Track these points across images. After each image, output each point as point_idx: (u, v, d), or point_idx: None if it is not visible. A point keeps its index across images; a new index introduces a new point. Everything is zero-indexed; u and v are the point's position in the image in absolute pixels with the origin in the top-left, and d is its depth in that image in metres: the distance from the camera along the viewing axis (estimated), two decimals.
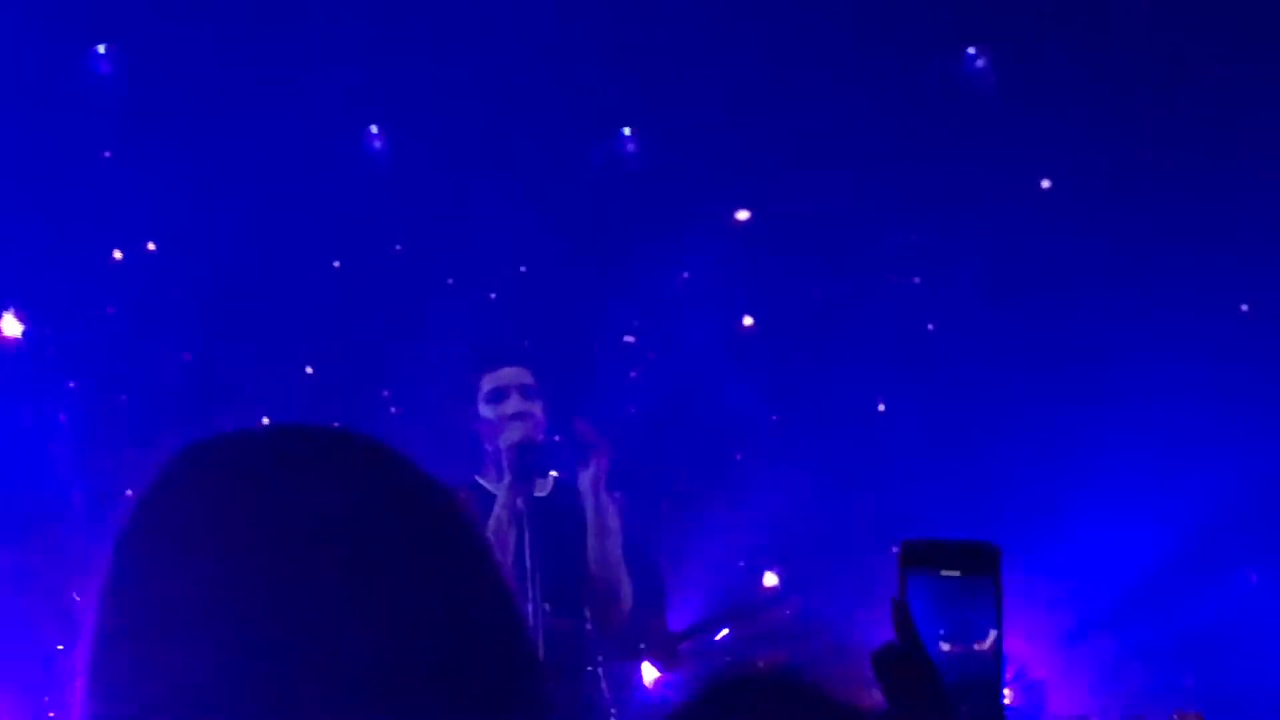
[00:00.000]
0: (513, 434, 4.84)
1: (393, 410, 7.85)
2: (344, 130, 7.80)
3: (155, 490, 1.18)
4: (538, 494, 4.92)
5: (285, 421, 1.25)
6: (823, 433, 8.18)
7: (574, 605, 4.85)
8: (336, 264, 7.94)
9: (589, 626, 4.91)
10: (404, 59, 7.16)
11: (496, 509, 4.75)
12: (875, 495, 7.81)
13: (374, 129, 7.74)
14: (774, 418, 8.40)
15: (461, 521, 1.21)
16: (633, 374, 8.28)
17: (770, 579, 7.56)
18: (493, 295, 8.16)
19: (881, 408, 8.49)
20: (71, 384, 7.49)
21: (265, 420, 7.50)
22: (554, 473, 5.06)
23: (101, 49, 7.01)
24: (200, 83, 7.02)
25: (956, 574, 1.42)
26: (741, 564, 7.85)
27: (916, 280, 8.35)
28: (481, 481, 5.01)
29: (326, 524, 1.14)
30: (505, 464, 4.84)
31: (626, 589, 4.94)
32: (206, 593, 1.12)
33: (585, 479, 4.92)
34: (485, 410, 4.96)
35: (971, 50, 7.94)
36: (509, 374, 4.98)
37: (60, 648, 5.79)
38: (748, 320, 8.42)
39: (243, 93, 7.13)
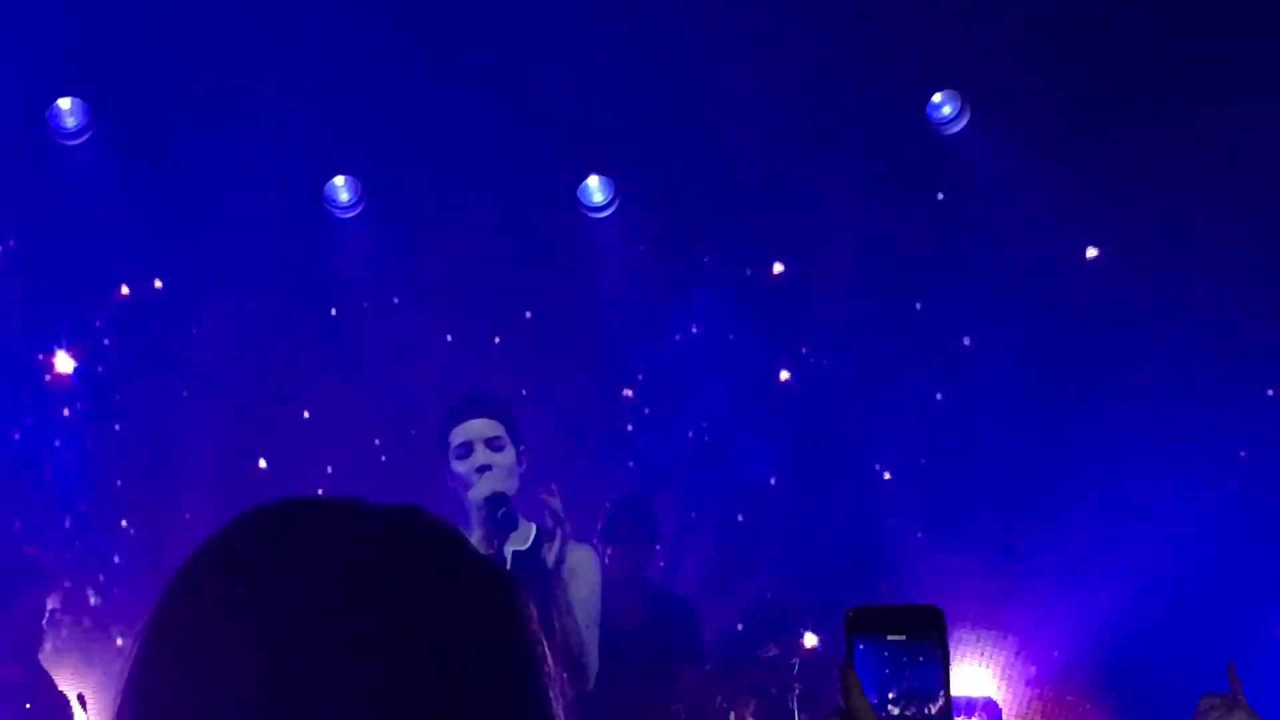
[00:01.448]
0: (480, 489, 4.88)
1: (382, 459, 7.96)
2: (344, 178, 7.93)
3: (216, 545, 1.22)
4: (517, 547, 4.96)
5: (355, 496, 1.26)
6: (823, 497, 8.26)
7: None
8: (334, 311, 8.06)
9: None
10: (405, 108, 7.28)
11: None
12: (876, 561, 7.86)
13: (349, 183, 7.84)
14: (771, 481, 8.45)
15: (515, 610, 1.24)
16: (629, 428, 8.36)
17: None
18: (497, 339, 8.26)
19: (887, 475, 8.55)
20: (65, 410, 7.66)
21: (262, 463, 7.75)
22: (533, 525, 5.08)
23: (65, 104, 7.11)
24: (205, 128, 7.15)
25: (903, 638, 1.47)
26: (740, 627, 7.90)
27: (924, 345, 8.42)
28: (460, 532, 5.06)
29: (376, 599, 1.17)
30: (475, 519, 4.90)
31: (590, 659, 4.93)
32: (250, 655, 1.15)
33: (548, 553, 4.94)
34: (455, 465, 5.01)
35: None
36: (475, 427, 5.01)
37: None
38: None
39: (244, 140, 7.26)
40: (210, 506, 7.63)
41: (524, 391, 8.09)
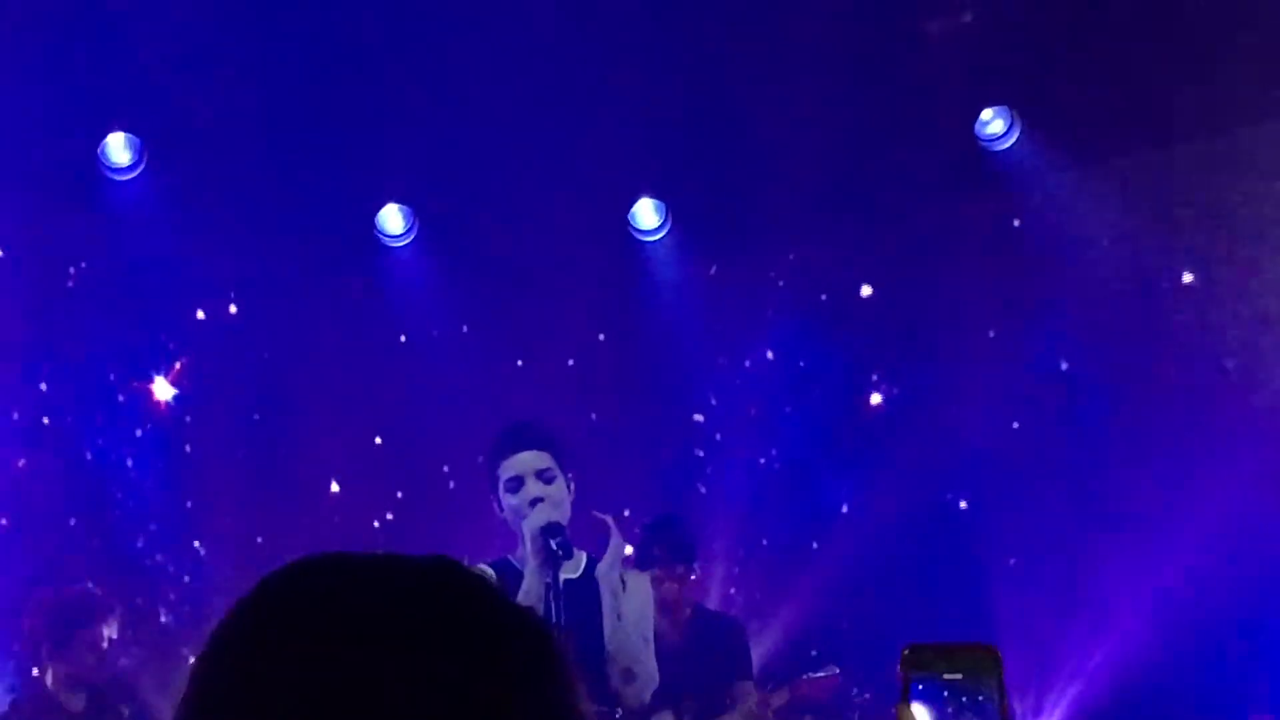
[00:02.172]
0: (536, 520, 4.97)
1: (450, 485, 8.04)
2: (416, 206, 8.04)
3: (248, 608, 1.23)
4: (569, 575, 5.06)
5: (390, 553, 1.27)
6: (899, 526, 8.26)
7: (604, 689, 4.94)
8: (403, 338, 8.17)
9: (619, 714, 5.00)
10: (454, 136, 7.35)
11: (521, 592, 4.89)
12: (948, 593, 7.84)
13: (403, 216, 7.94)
14: (844, 509, 8.46)
15: (555, 664, 1.24)
16: (699, 453, 8.40)
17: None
18: (570, 361, 8.34)
19: (963, 504, 8.53)
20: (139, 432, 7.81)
21: (335, 487, 7.87)
22: (584, 553, 5.18)
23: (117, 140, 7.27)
24: (259, 156, 7.27)
25: (959, 677, 1.47)
26: (814, 653, 7.90)
27: (1001, 376, 8.40)
28: (512, 560, 5.17)
29: (415, 660, 1.17)
30: (531, 549, 4.97)
31: (645, 673, 5.05)
32: (273, 698, 1.15)
33: (601, 566, 5.09)
34: (507, 499, 5.11)
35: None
36: (525, 460, 5.10)
37: None
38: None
39: (299, 167, 7.37)
40: (281, 528, 7.78)
41: (594, 416, 8.18)
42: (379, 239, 7.93)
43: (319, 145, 7.20)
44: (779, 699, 6.57)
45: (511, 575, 5.04)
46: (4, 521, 7.58)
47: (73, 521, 7.65)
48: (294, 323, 7.89)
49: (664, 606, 6.43)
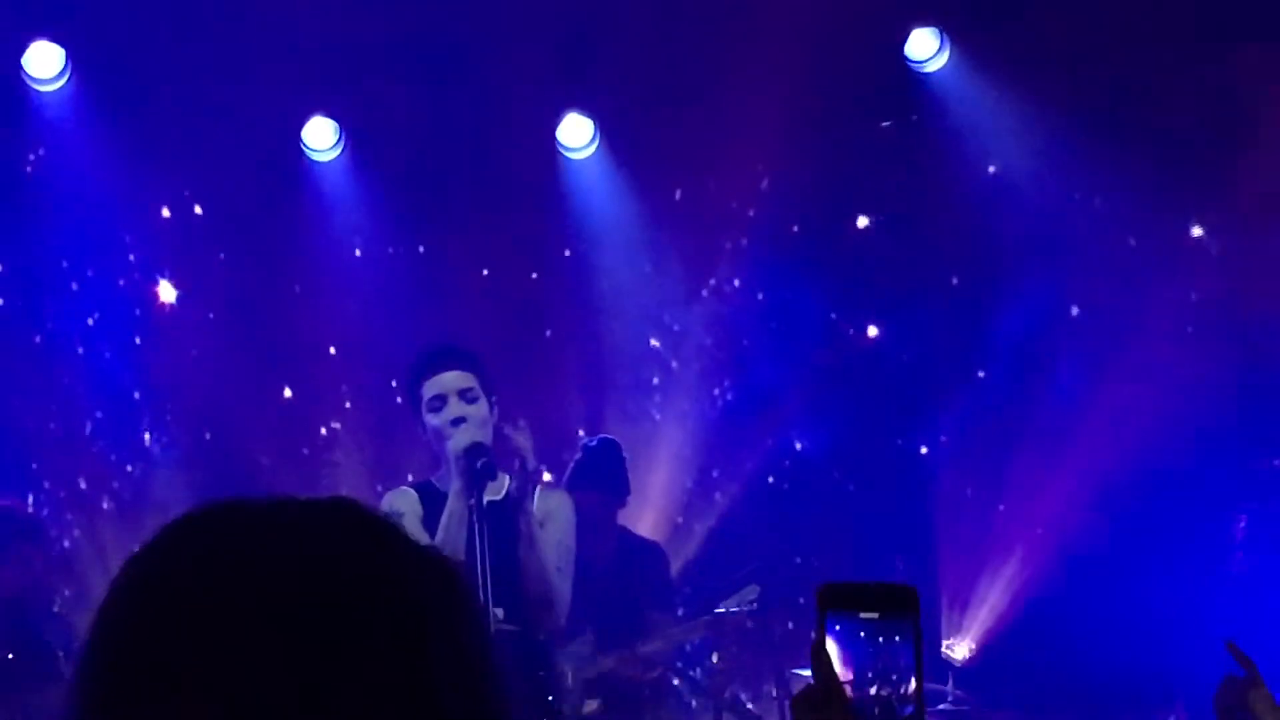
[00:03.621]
0: (459, 440, 5.04)
1: (397, 400, 8.13)
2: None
3: (150, 557, 1.25)
4: (492, 497, 5.13)
5: (290, 498, 1.28)
6: (854, 468, 8.38)
7: (522, 611, 5.03)
8: (358, 252, 8.24)
9: (541, 637, 5.11)
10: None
11: (445, 514, 4.99)
12: (894, 535, 7.94)
13: None
14: (797, 446, 8.58)
15: (461, 605, 1.27)
16: (655, 380, 8.49)
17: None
18: (534, 275, 8.41)
19: (924, 450, 8.61)
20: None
21: (287, 392, 7.95)
22: (507, 475, 5.24)
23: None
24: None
25: (875, 616, 1.50)
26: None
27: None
28: (435, 482, 5.26)
29: (322, 604, 1.18)
30: (455, 470, 5.04)
31: (559, 599, 5.14)
32: (180, 659, 1.17)
33: (510, 486, 5.15)
34: (429, 418, 5.17)
35: None
36: (449, 379, 5.16)
37: None
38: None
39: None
40: (230, 427, 7.93)
41: (548, 333, 8.27)
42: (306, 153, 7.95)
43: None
44: (697, 630, 6.68)
45: (434, 497, 5.14)
46: None
47: (16, 401, 7.74)
48: (252, 229, 7.95)
49: (591, 527, 6.57)
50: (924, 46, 7.79)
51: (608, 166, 8.02)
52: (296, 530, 1.24)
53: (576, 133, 7.95)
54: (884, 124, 8.09)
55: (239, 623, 1.17)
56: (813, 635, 1.51)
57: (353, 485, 6.87)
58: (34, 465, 7.86)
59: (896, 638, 1.51)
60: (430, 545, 1.30)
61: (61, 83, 7.36)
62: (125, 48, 7.30)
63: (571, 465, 6.75)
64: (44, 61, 7.34)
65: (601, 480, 6.70)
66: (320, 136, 7.86)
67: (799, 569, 7.57)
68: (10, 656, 5.98)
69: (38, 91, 7.37)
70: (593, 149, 7.95)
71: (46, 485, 7.85)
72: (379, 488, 6.85)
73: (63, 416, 7.93)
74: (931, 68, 7.82)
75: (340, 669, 1.17)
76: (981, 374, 8.52)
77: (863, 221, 8.44)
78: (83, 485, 7.99)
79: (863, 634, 1.51)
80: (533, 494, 5.19)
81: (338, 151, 7.89)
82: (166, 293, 8.09)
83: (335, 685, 1.17)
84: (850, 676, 1.50)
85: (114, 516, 7.96)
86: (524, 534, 5.06)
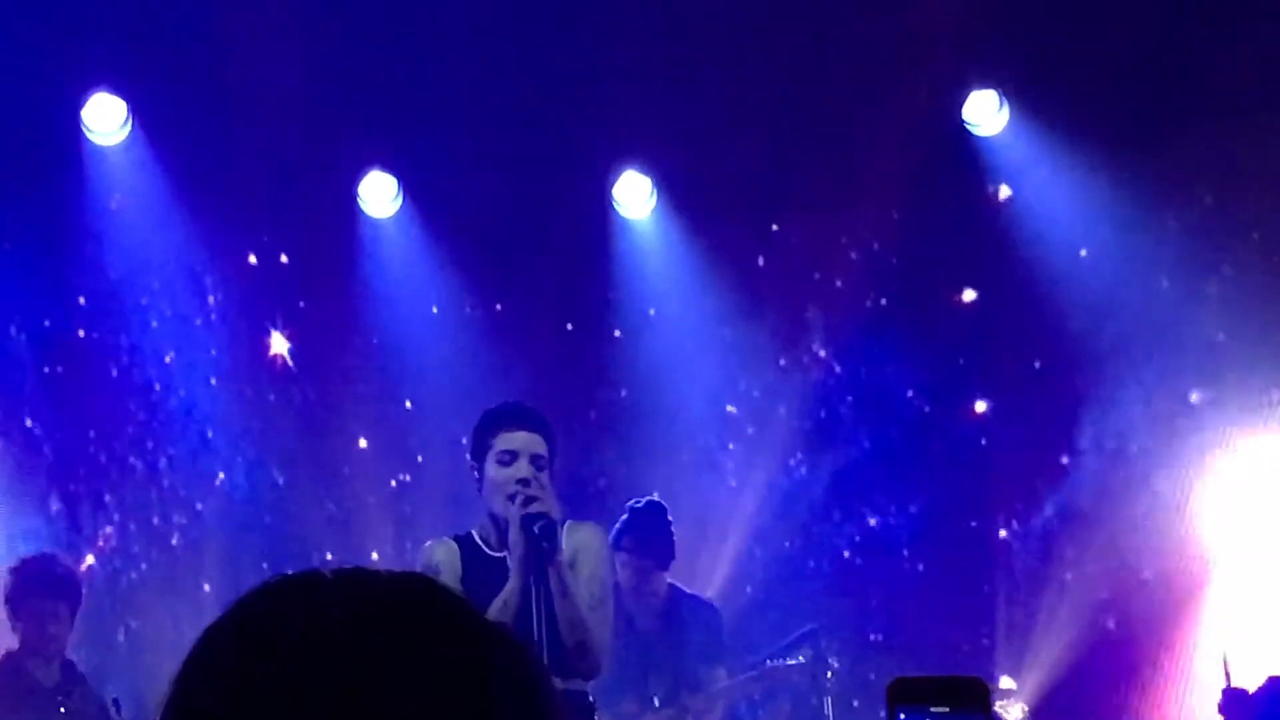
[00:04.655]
0: (533, 508, 4.96)
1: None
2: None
3: (228, 625, 1.28)
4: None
5: (363, 569, 1.31)
6: (930, 548, 8.38)
7: (560, 659, 5.01)
8: (434, 309, 8.40)
9: (591, 697, 5.11)
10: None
11: (507, 590, 4.93)
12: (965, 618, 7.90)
13: None
14: (871, 522, 8.57)
15: (533, 682, 1.30)
16: (730, 446, 8.52)
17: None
18: (616, 333, 8.50)
19: (1002, 534, 8.57)
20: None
21: (363, 443, 8.08)
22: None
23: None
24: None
25: (946, 710, 1.51)
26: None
27: None
28: (475, 535, 5.23)
29: (396, 679, 1.22)
30: (514, 535, 4.98)
31: (594, 640, 5.05)
32: None
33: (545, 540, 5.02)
34: (494, 470, 5.10)
35: None
36: (524, 439, 5.11)
37: None
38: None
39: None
40: (304, 474, 8.07)
41: (624, 392, 8.35)
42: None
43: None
44: (747, 686, 6.69)
45: (474, 550, 5.12)
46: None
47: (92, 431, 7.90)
48: (327, 279, 8.20)
49: (635, 588, 6.68)
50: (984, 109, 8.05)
51: (689, 231, 8.13)
52: (371, 600, 1.27)
53: (643, 194, 8.16)
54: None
55: (311, 705, 1.20)
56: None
57: (417, 538, 6.93)
58: (107, 497, 8.01)
59: None
60: (500, 623, 1.33)
61: (124, 134, 7.72)
62: (185, 100, 7.60)
63: (617, 527, 6.75)
64: (105, 114, 7.70)
65: (647, 543, 6.73)
66: (377, 191, 8.17)
67: (856, 639, 7.57)
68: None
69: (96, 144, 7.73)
70: (655, 210, 8.14)
71: (117, 517, 8.01)
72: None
73: (138, 450, 8.08)
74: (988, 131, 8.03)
75: None
76: (1065, 460, 8.49)
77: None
78: (155, 521, 8.12)
79: None
80: (561, 533, 5.09)
81: (396, 206, 8.17)
82: (245, 336, 8.29)
83: None
84: None
85: (182, 552, 8.10)
86: (557, 587, 4.98)
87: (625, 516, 6.83)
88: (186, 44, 7.46)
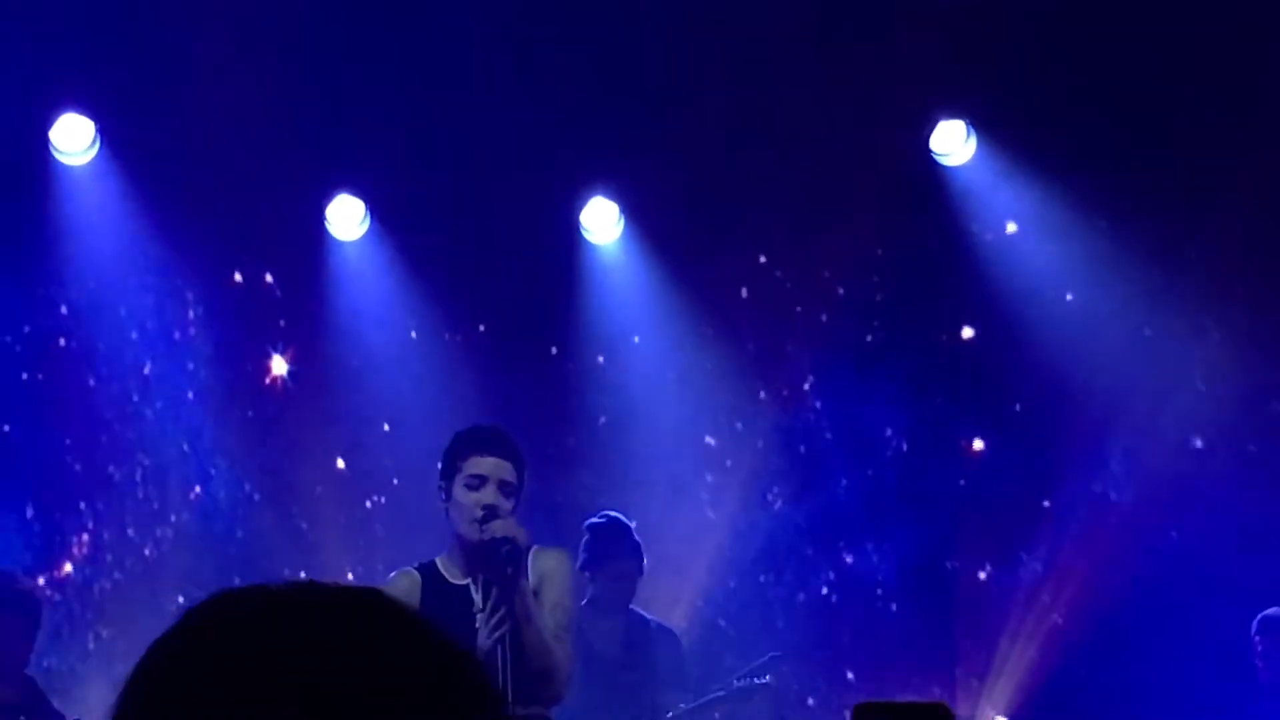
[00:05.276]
0: (496, 529, 5.00)
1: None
2: None
3: (174, 642, 1.28)
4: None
5: (313, 582, 1.32)
6: (901, 585, 8.40)
7: (523, 685, 5.02)
8: (413, 334, 8.46)
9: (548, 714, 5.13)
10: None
11: (481, 627, 4.94)
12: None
13: None
14: (848, 559, 8.59)
15: (471, 690, 1.29)
16: (709, 478, 8.55)
17: None
18: (600, 358, 8.55)
19: (982, 575, 8.60)
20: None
21: (340, 464, 8.13)
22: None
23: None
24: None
25: None
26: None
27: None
28: (439, 565, 5.26)
29: (347, 692, 1.22)
30: (481, 557, 5.03)
31: (557, 667, 5.08)
32: None
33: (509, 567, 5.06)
34: (460, 493, 5.13)
35: None
36: (493, 465, 5.13)
37: None
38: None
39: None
40: (282, 494, 8.09)
41: (603, 419, 8.38)
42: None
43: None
44: (714, 708, 6.69)
45: (437, 580, 5.16)
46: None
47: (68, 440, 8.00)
48: (301, 300, 8.37)
49: (600, 608, 6.70)
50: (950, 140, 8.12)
51: (658, 258, 8.21)
52: (318, 617, 1.28)
53: (610, 220, 8.30)
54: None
55: (257, 713, 1.21)
56: None
57: (389, 559, 6.95)
58: (81, 504, 8.05)
59: None
60: (447, 634, 1.32)
61: (91, 155, 7.81)
62: (153, 123, 7.73)
63: (581, 547, 6.72)
64: (73, 134, 7.78)
65: (610, 560, 6.71)
66: (344, 215, 8.24)
67: (828, 674, 7.60)
68: None
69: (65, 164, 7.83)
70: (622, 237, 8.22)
71: (91, 525, 8.04)
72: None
73: (114, 460, 8.12)
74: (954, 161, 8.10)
75: None
76: (1046, 503, 8.51)
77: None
78: (130, 532, 8.15)
79: None
80: (528, 558, 5.12)
81: (364, 230, 8.27)
82: (225, 353, 8.39)
83: None
84: None
85: (155, 563, 8.13)
86: (521, 613, 4.98)
87: (585, 536, 6.80)
88: (155, 66, 7.58)
